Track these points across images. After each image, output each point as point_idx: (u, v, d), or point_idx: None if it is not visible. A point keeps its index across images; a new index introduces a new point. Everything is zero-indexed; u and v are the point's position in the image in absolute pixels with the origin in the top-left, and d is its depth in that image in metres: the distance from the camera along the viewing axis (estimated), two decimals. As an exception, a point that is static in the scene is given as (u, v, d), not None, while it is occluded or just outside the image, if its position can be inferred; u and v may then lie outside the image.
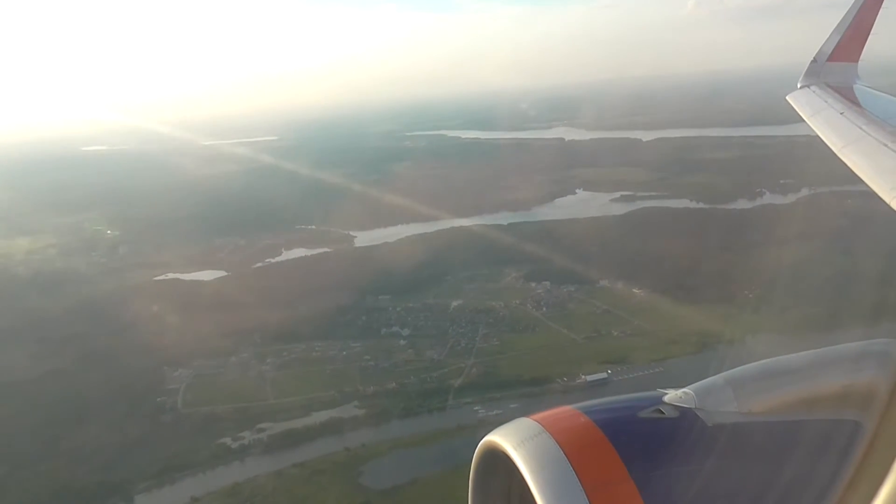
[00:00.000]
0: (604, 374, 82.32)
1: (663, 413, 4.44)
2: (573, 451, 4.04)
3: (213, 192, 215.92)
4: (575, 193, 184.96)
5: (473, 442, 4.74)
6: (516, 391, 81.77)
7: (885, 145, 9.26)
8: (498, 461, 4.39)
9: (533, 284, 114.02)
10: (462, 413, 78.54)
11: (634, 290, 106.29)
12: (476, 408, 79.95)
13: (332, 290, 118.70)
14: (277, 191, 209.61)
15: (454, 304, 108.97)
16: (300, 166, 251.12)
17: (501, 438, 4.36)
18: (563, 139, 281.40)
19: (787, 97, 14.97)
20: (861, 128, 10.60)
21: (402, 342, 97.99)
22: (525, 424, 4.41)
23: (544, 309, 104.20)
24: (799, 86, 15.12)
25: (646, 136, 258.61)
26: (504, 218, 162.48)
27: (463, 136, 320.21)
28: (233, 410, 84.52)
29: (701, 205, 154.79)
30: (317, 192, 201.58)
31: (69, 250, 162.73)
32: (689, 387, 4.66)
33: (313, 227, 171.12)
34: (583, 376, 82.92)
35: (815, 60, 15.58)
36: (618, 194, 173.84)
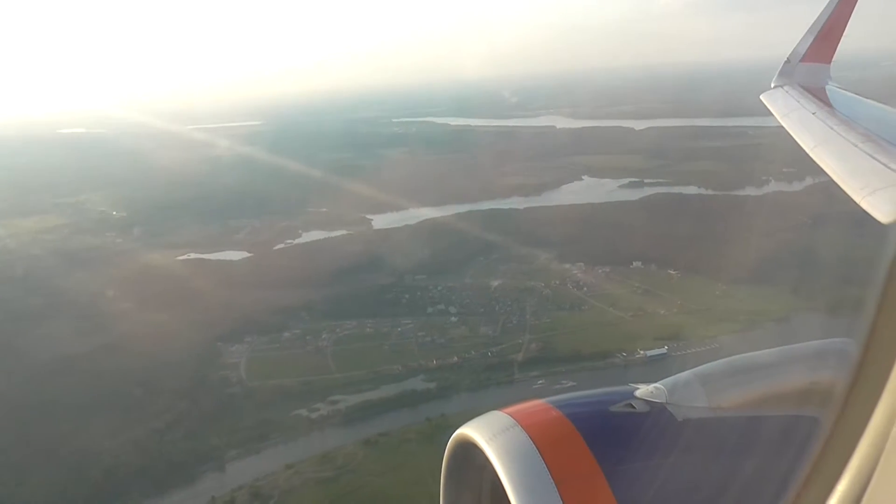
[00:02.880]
0: (663, 350, 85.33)
1: (634, 408, 4.56)
2: (544, 445, 4.13)
3: (208, 175, 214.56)
4: (581, 180, 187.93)
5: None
6: (579, 365, 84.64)
7: (855, 146, 9.42)
8: (470, 454, 4.51)
9: (567, 266, 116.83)
10: (531, 386, 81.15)
11: (669, 272, 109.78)
12: (541, 381, 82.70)
13: (366, 270, 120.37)
14: (275, 174, 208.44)
15: (494, 283, 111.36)
16: (292, 150, 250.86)
17: (474, 431, 4.44)
18: (554, 127, 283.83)
19: (760, 97, 15.23)
20: (832, 128, 10.83)
21: (454, 319, 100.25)
22: (497, 418, 4.50)
23: (585, 289, 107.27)
24: (772, 85, 15.31)
25: (637, 125, 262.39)
26: (517, 203, 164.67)
27: (452, 123, 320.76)
28: (300, 383, 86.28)
29: (710, 191, 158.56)
30: (316, 175, 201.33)
31: (81, 230, 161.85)
32: (659, 382, 4.80)
33: (325, 209, 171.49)
34: (642, 351, 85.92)
35: (788, 61, 15.77)
36: (625, 180, 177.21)
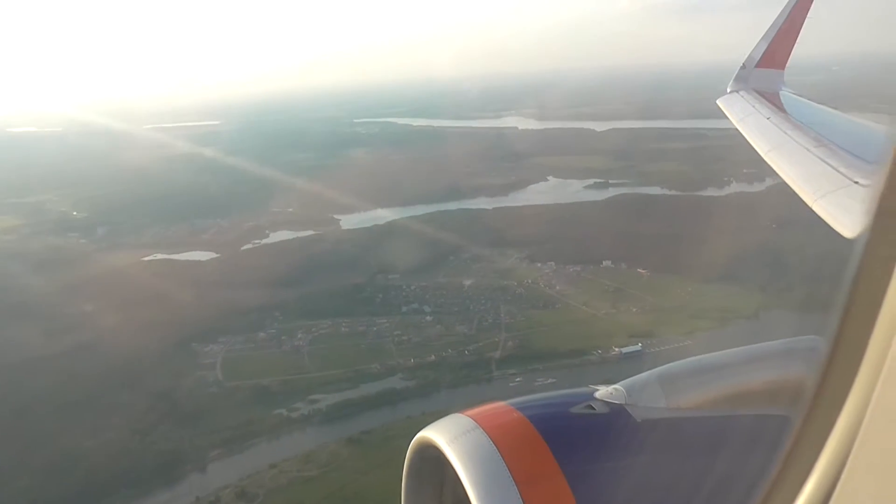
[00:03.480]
0: (637, 347, 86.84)
1: (594, 409, 4.61)
2: (506, 447, 4.17)
3: (168, 174, 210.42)
4: (547, 180, 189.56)
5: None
6: (556, 362, 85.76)
7: (808, 150, 9.73)
8: (431, 457, 4.53)
9: (538, 265, 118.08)
10: (509, 383, 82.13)
11: (639, 271, 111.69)
12: (518, 378, 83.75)
13: (337, 269, 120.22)
14: (236, 174, 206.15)
15: (467, 282, 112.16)
16: (251, 150, 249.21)
17: (435, 434, 4.49)
18: (516, 128, 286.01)
19: (717, 101, 15.71)
20: (786, 132, 11.13)
21: (429, 318, 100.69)
22: (458, 420, 4.55)
23: (557, 287, 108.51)
24: (728, 90, 15.83)
25: (598, 126, 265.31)
26: (484, 203, 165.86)
27: (413, 124, 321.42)
28: (278, 383, 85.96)
29: (674, 192, 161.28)
30: (278, 175, 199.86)
31: (42, 231, 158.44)
32: (619, 383, 4.85)
33: (291, 209, 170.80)
34: (616, 348, 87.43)
35: (743, 66, 16.33)
36: (590, 181, 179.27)
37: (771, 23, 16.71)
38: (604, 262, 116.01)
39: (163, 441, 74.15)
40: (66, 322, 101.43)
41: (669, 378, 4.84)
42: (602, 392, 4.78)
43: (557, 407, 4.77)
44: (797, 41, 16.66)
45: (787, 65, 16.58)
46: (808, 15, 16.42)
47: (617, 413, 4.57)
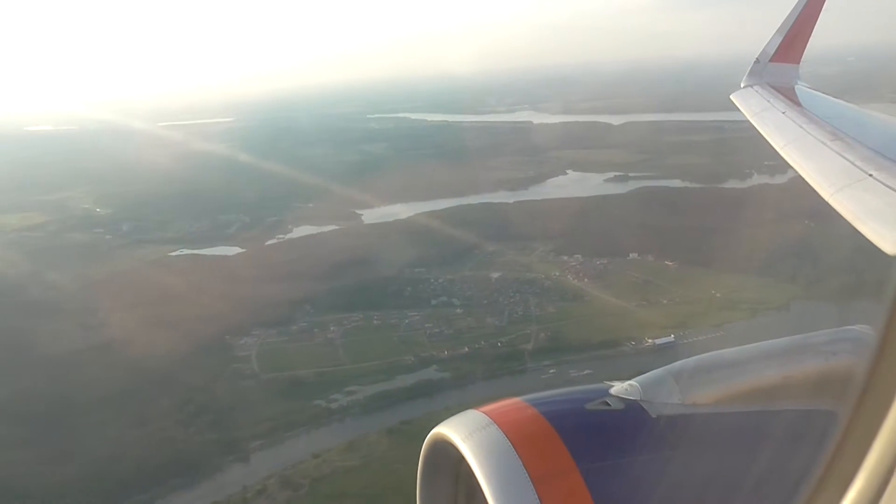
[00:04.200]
0: (670, 338, 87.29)
1: (609, 405, 4.61)
2: (521, 443, 4.17)
3: (186, 171, 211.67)
4: (566, 174, 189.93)
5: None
6: (589, 354, 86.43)
7: (824, 144, 9.65)
8: (446, 453, 4.54)
9: (565, 258, 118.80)
10: (544, 375, 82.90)
11: (667, 263, 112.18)
12: (552, 370, 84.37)
13: (364, 263, 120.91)
14: (254, 170, 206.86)
15: (495, 275, 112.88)
16: (268, 146, 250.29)
17: (450, 430, 4.48)
18: (531, 122, 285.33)
19: (730, 96, 15.55)
20: (802, 127, 11.05)
21: (459, 311, 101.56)
22: (473, 416, 4.53)
23: (585, 280, 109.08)
24: (742, 85, 15.60)
25: (614, 120, 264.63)
26: (505, 197, 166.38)
27: (428, 119, 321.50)
28: (314, 375, 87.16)
29: (696, 184, 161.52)
30: (297, 171, 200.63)
31: (68, 227, 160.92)
32: (634, 379, 4.83)
33: (311, 205, 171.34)
34: (650, 340, 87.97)
35: (757, 61, 16.04)
36: (610, 174, 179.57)
37: (786, 15, 16.49)
38: (630, 255, 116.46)
39: (205, 431, 75.42)
40: (100, 316, 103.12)
41: (685, 374, 4.85)
42: (617, 388, 4.78)
43: (572, 403, 4.78)
44: (812, 34, 16.44)
45: (802, 59, 16.37)
46: (824, 7, 16.20)
47: (632, 409, 4.57)
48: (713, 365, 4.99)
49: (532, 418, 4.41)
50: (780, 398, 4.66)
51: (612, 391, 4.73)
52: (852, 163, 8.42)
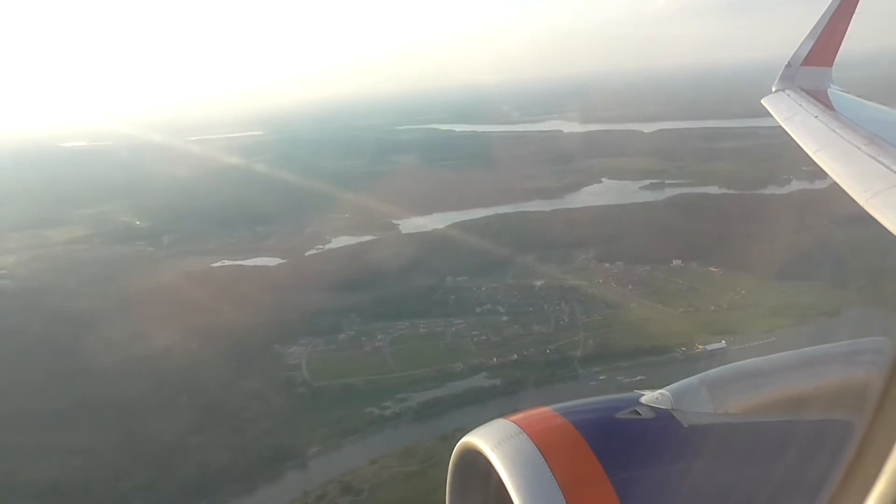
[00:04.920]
0: (721, 343, 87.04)
1: (640, 414, 4.58)
2: (550, 452, 4.17)
3: (220, 184, 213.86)
4: (600, 182, 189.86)
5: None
6: (639, 360, 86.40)
7: (858, 148, 9.45)
8: (475, 462, 4.55)
9: (607, 265, 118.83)
10: (595, 381, 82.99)
11: (711, 269, 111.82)
12: (602, 377, 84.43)
13: (405, 272, 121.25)
14: (288, 182, 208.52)
15: (537, 283, 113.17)
16: (299, 159, 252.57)
17: (479, 439, 4.51)
18: (561, 131, 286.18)
19: (762, 101, 15.31)
20: (835, 131, 10.83)
21: (505, 318, 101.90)
22: (502, 425, 4.54)
23: (629, 287, 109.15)
24: (774, 90, 15.35)
25: (645, 128, 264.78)
26: (541, 205, 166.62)
27: (457, 130, 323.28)
28: (365, 382, 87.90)
29: (733, 191, 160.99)
30: (330, 183, 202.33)
31: (111, 240, 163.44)
32: (665, 388, 4.81)
33: (347, 216, 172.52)
34: (700, 346, 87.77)
35: (789, 65, 15.80)
36: (646, 182, 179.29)
37: (816, 20, 16.30)
38: (673, 262, 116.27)
39: (262, 438, 76.28)
40: (150, 326, 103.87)
41: (717, 383, 4.82)
42: (648, 397, 4.78)
43: (602, 412, 4.76)
44: (845, 38, 16.20)
45: (834, 62, 16.19)
46: (856, 10, 15.89)
47: (663, 418, 4.55)
48: (745, 374, 5.02)
49: (561, 427, 4.44)
50: (811, 408, 4.60)
51: (643, 400, 4.76)
52: (888, 167, 8.28)
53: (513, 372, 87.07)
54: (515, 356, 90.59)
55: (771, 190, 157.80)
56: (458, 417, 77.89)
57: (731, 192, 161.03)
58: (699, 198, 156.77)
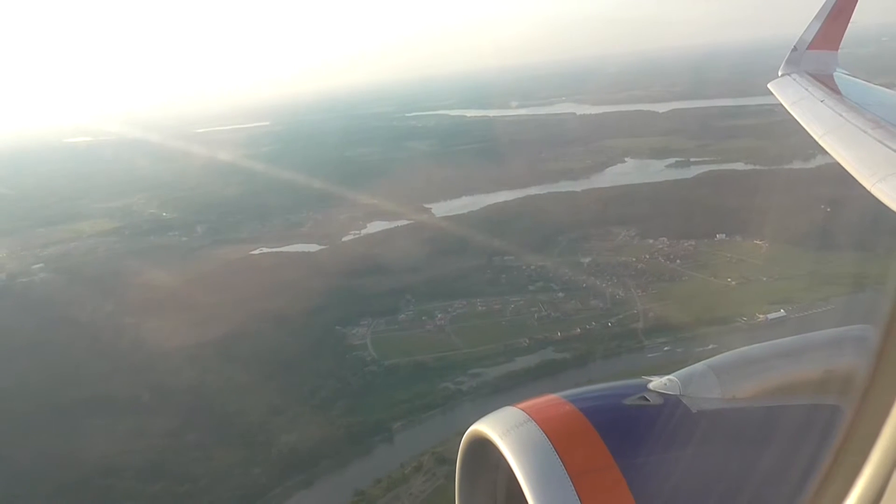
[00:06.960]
0: (781, 312, 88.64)
1: (648, 400, 4.59)
2: (559, 439, 4.16)
3: (240, 174, 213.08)
4: (624, 162, 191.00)
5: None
6: (702, 330, 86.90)
7: (865, 132, 9.39)
8: (484, 450, 4.56)
9: (650, 241, 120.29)
10: (661, 351, 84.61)
11: (756, 242, 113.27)
12: (667, 348, 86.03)
13: (450, 254, 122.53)
14: (308, 170, 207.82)
15: (585, 260, 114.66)
16: (313, 148, 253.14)
17: (487, 427, 4.52)
18: (574, 113, 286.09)
19: (768, 85, 15.21)
20: (841, 115, 10.76)
21: (560, 294, 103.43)
22: (511, 413, 4.56)
23: (678, 261, 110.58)
24: (780, 73, 15.24)
25: (659, 108, 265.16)
26: (570, 186, 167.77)
27: (467, 115, 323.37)
28: (433, 360, 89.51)
29: (760, 166, 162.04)
30: (352, 169, 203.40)
31: (141, 231, 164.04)
32: (673, 374, 4.79)
33: (376, 201, 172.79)
34: (761, 315, 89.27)
35: (795, 49, 15.64)
36: (671, 160, 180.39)
37: (820, 1, 16.23)
38: (717, 236, 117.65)
39: (345, 415, 77.91)
40: (206, 313, 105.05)
41: (724, 368, 4.80)
42: (656, 383, 4.77)
43: (610, 399, 4.78)
44: (851, 21, 16.06)
45: (840, 45, 16.05)
46: None
47: (672, 404, 4.55)
48: (752, 359, 5.00)
49: (570, 414, 4.43)
50: (821, 392, 4.58)
51: (651, 386, 4.76)
52: (895, 151, 8.30)
53: (578, 345, 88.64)
54: (578, 330, 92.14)
55: (798, 164, 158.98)
56: (534, 390, 78.47)
57: (757, 167, 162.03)
58: (728, 174, 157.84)
